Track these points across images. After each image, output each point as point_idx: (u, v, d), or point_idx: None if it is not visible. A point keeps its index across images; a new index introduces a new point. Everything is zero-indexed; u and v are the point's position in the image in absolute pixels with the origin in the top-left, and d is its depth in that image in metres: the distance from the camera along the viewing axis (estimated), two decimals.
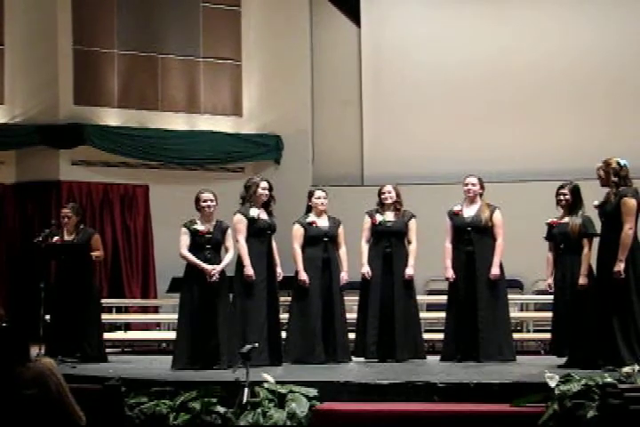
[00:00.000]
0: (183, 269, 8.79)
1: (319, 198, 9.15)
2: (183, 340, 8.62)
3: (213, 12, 14.25)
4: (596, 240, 8.16)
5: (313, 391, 6.94)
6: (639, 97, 13.34)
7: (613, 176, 7.82)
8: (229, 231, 8.78)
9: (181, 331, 8.67)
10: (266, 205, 8.93)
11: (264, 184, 8.90)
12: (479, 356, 8.78)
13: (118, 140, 13.32)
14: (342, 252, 9.15)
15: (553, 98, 13.54)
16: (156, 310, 13.41)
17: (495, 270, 8.89)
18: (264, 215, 8.89)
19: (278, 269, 8.96)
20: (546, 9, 13.67)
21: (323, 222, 9.13)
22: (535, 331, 11.29)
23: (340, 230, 9.16)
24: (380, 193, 9.22)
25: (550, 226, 8.72)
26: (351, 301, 9.70)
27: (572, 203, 8.55)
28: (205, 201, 8.72)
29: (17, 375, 4.59)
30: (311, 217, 9.14)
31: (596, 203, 7.97)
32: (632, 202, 7.73)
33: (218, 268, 8.59)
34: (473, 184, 9.10)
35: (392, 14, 14.29)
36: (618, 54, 13.44)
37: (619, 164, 7.86)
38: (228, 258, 8.72)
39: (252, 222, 8.78)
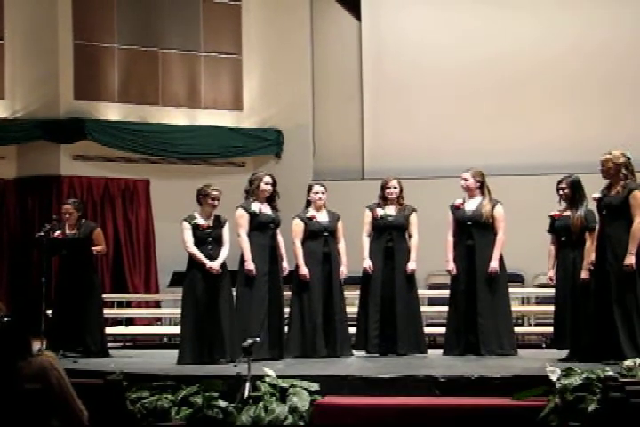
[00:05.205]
0: (185, 264, 8.80)
1: (317, 193, 9.14)
2: (188, 335, 8.62)
3: (214, 7, 14.23)
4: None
5: (314, 386, 6.95)
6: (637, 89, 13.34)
7: (624, 169, 7.79)
8: (227, 225, 8.80)
9: (185, 326, 8.68)
10: (270, 200, 8.94)
11: (267, 179, 8.91)
12: (480, 350, 8.78)
13: (119, 135, 13.32)
14: (341, 246, 9.15)
15: (561, 90, 13.46)
16: (157, 304, 13.42)
17: (493, 264, 8.87)
18: (267, 210, 8.89)
19: (284, 264, 8.98)
20: None
21: (322, 217, 9.12)
22: (536, 324, 11.28)
23: (339, 224, 9.15)
24: (385, 187, 9.18)
25: (553, 218, 8.71)
26: (352, 295, 9.70)
27: (572, 196, 8.53)
28: (214, 199, 8.73)
29: (18, 370, 4.60)
30: (311, 212, 9.14)
31: (597, 195, 7.94)
32: None
33: (215, 263, 8.60)
34: (465, 179, 9.07)
35: (392, 8, 14.24)
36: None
37: (627, 156, 7.83)
38: (224, 252, 8.72)
39: (254, 216, 8.79)
